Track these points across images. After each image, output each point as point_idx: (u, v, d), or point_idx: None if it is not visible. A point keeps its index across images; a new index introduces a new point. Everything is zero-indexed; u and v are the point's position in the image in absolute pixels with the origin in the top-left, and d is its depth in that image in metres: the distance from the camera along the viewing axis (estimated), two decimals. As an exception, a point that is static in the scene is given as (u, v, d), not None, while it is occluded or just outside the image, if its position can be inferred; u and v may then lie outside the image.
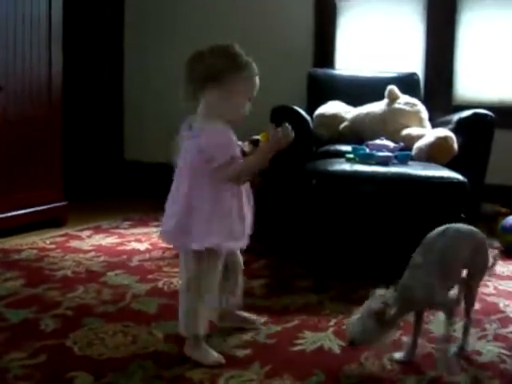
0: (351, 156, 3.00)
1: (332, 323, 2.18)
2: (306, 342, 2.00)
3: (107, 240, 3.35)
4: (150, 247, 3.22)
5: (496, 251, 2.22)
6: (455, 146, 3.15)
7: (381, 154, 2.92)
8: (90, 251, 3.10)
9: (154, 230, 3.61)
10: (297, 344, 1.98)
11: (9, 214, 3.34)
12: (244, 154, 3.73)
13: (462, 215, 2.78)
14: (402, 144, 3.08)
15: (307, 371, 1.78)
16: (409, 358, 1.90)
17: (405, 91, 3.65)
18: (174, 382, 1.69)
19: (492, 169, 3.35)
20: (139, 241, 3.36)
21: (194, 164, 1.83)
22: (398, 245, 2.85)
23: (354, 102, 3.81)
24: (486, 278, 2.75)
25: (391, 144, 3.05)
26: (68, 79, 3.86)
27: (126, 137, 5.18)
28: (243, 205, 1.93)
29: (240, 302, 2.10)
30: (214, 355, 1.85)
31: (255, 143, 4.09)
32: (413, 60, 4.40)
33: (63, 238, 3.36)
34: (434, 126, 3.51)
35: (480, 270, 2.01)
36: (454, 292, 2.00)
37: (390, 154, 2.94)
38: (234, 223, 1.88)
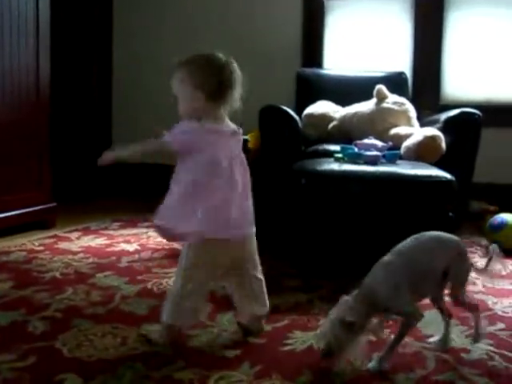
0: (340, 155, 3.01)
1: (322, 322, 2.18)
2: (295, 342, 2.00)
3: (96, 241, 3.35)
4: (139, 248, 3.22)
5: (494, 246, 2.10)
6: (443, 144, 3.16)
7: (369, 153, 2.93)
8: (78, 252, 3.10)
9: (144, 230, 3.61)
10: (287, 344, 1.98)
11: (-3, 216, 3.33)
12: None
13: (450, 213, 2.80)
14: (390, 143, 3.09)
15: (297, 371, 1.78)
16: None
17: (393, 90, 3.66)
18: (163, 382, 1.69)
19: (479, 167, 3.37)
20: (128, 242, 3.35)
21: None
22: (387, 244, 2.86)
23: (343, 101, 3.82)
24: (474, 275, 2.80)
25: (379, 143, 3.06)
26: (56, 79, 3.85)
27: (115, 138, 5.17)
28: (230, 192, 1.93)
29: (257, 311, 2.08)
30: None
31: (244, 143, 4.08)
32: (401, 59, 4.42)
33: (52, 240, 3.35)
34: (421, 125, 3.53)
35: (460, 281, 1.95)
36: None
37: (378, 153, 2.95)
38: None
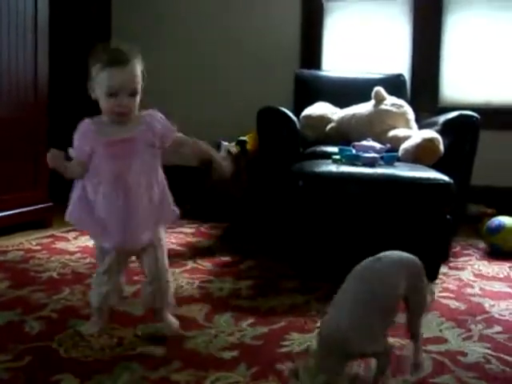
0: (338, 157, 3.01)
1: (319, 324, 2.17)
2: (292, 344, 2.00)
3: (93, 242, 3.33)
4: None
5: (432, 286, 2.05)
6: (441, 147, 3.16)
7: (367, 155, 2.93)
8: (75, 253, 3.09)
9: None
10: (283, 345, 1.98)
11: (-6, 216, 3.33)
12: (230, 154, 3.74)
13: (448, 216, 2.80)
14: (388, 145, 3.09)
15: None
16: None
17: (391, 92, 3.66)
18: (160, 383, 1.69)
19: (477, 170, 3.37)
20: (125, 242, 3.34)
21: None
22: (385, 246, 2.85)
23: (341, 103, 3.82)
24: (471, 278, 2.81)
25: (378, 145, 3.06)
26: (54, 79, 3.84)
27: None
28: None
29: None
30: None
31: (242, 144, 4.11)
32: (399, 61, 4.42)
33: (49, 240, 3.34)
34: (420, 127, 3.53)
35: (420, 305, 1.78)
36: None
37: (376, 155, 2.95)
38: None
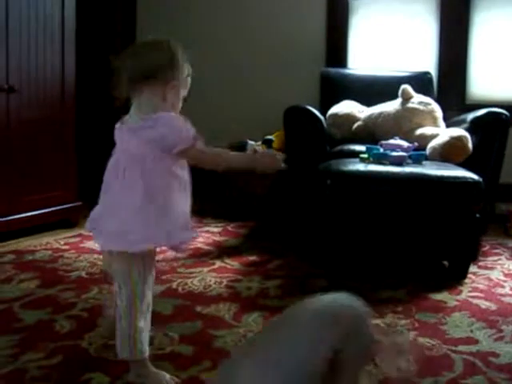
0: (365, 156, 2.99)
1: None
2: (321, 343, 1.99)
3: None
4: (163, 248, 3.22)
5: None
6: (470, 145, 3.13)
7: (395, 153, 2.91)
8: (103, 252, 3.11)
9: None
10: (312, 345, 1.97)
11: (22, 215, 3.36)
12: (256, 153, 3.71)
13: (477, 215, 2.77)
14: (416, 144, 3.06)
15: (323, 372, 1.77)
16: None
17: (418, 90, 3.63)
18: (190, 383, 1.69)
19: (506, 168, 3.33)
20: (153, 241, 3.35)
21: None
22: (413, 244, 2.84)
23: (367, 101, 3.80)
24: (501, 278, 2.77)
25: (405, 144, 3.04)
26: (81, 80, 3.87)
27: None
28: None
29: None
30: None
31: (268, 143, 4.11)
32: (426, 59, 4.38)
33: (77, 239, 3.37)
34: (448, 125, 3.49)
35: (354, 371, 1.38)
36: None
37: (404, 153, 2.92)
38: None
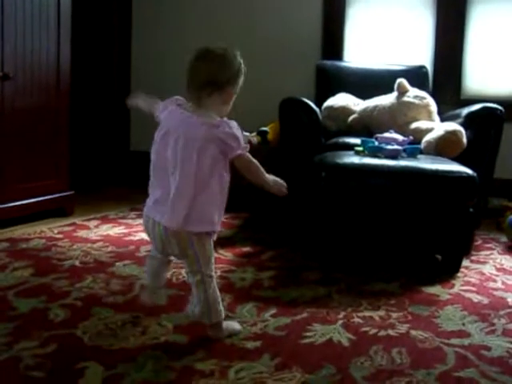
0: (360, 149, 3.00)
1: (341, 316, 2.18)
2: (315, 335, 2.00)
3: (114, 230, 3.36)
4: (157, 238, 3.22)
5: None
6: (464, 139, 3.14)
7: (390, 147, 2.91)
8: (97, 241, 3.11)
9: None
10: (306, 336, 1.99)
11: (16, 204, 3.35)
12: (251, 144, 3.73)
13: (471, 209, 2.78)
14: (411, 137, 3.07)
15: (317, 364, 1.78)
16: None
17: (413, 84, 3.63)
18: (184, 372, 1.70)
19: (500, 163, 3.34)
20: (146, 231, 3.36)
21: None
22: (406, 238, 2.86)
23: (363, 94, 3.80)
24: (493, 272, 2.79)
25: (400, 137, 3.05)
26: (76, 70, 3.85)
27: (133, 127, 5.18)
28: None
29: None
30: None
31: (263, 134, 4.11)
32: (422, 53, 4.39)
33: (70, 228, 3.36)
34: (442, 119, 3.50)
35: None
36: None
37: (399, 147, 2.93)
38: None
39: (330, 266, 2.79)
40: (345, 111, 3.71)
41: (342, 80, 4.06)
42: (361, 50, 4.51)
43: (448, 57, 4.31)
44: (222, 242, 3.13)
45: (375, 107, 3.62)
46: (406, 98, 3.53)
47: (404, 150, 2.95)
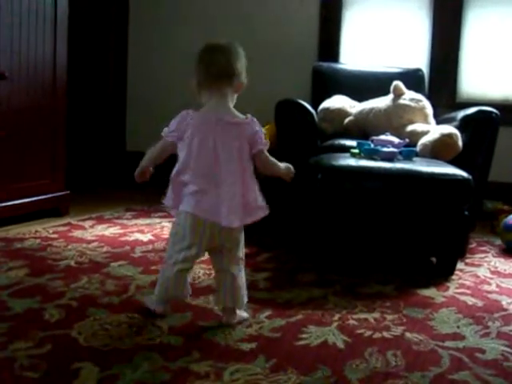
0: (356, 151, 3.00)
1: (336, 318, 2.18)
2: (310, 337, 2.00)
3: (110, 230, 3.36)
4: (153, 238, 3.22)
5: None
6: (460, 142, 3.15)
7: (386, 149, 2.92)
8: (92, 241, 3.10)
9: (157, 220, 3.62)
10: (301, 338, 1.99)
11: (11, 203, 3.35)
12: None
13: (466, 212, 2.79)
14: (407, 140, 3.08)
15: (312, 366, 1.78)
16: None
17: (409, 87, 3.64)
18: (179, 374, 1.69)
19: (495, 166, 3.35)
20: (142, 232, 3.36)
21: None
22: (402, 241, 2.86)
23: (359, 96, 3.81)
24: (488, 275, 2.80)
25: (396, 140, 3.05)
26: (72, 70, 3.85)
27: (129, 128, 5.18)
28: None
29: None
30: None
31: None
32: (418, 56, 4.40)
33: (66, 228, 3.36)
34: (438, 122, 3.51)
35: None
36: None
37: (395, 149, 2.94)
38: None
39: (325, 267, 2.79)
40: (341, 113, 3.72)
41: (339, 82, 4.07)
42: (357, 53, 4.52)
43: (444, 60, 4.33)
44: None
45: (371, 109, 3.62)
46: (401, 101, 3.54)
47: (400, 153, 2.96)
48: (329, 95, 3.86)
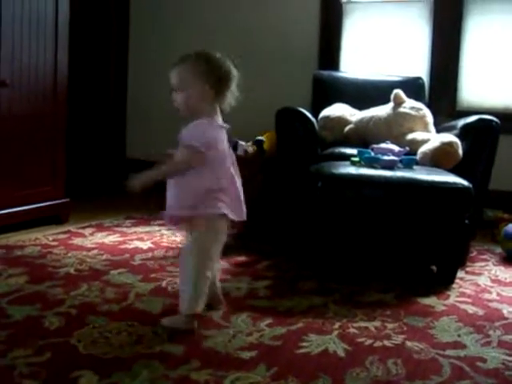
0: (356, 159, 3.00)
1: (336, 326, 2.18)
2: (310, 345, 2.00)
3: (109, 238, 3.35)
4: (152, 246, 3.22)
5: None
6: (460, 151, 3.14)
7: (386, 157, 2.92)
8: (92, 249, 3.10)
9: (157, 228, 3.61)
10: (302, 346, 1.98)
11: (11, 210, 3.34)
12: (246, 154, 3.76)
13: (466, 221, 2.79)
14: (407, 148, 3.07)
15: (313, 374, 1.77)
16: None
17: (409, 95, 3.64)
18: (179, 382, 1.69)
19: (495, 174, 3.35)
20: (141, 239, 3.35)
21: None
22: (402, 249, 2.86)
23: (359, 104, 3.81)
24: (488, 283, 2.79)
25: (396, 148, 3.05)
26: (73, 77, 3.85)
27: (129, 135, 5.19)
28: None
29: None
30: None
31: (259, 144, 4.10)
32: (418, 64, 4.40)
33: (65, 235, 3.35)
34: (438, 131, 3.51)
35: None
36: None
37: (395, 158, 2.94)
38: None
39: (325, 276, 2.78)
40: (341, 121, 3.72)
41: (339, 90, 4.07)
42: (357, 61, 4.52)
43: (444, 68, 4.33)
44: (218, 251, 3.12)
45: (371, 118, 3.62)
46: (402, 109, 3.54)
47: (400, 161, 2.96)
48: (329, 103, 3.86)
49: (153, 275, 2.69)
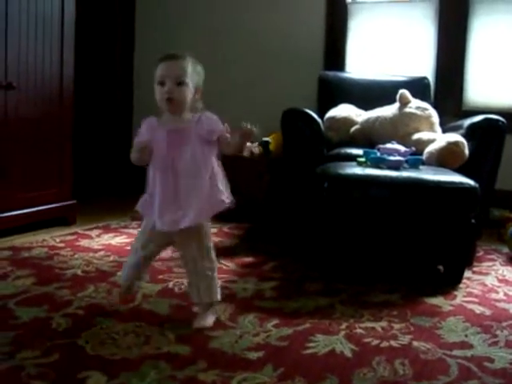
0: (362, 160, 3.00)
1: (343, 327, 2.18)
2: (317, 346, 2.00)
3: (116, 239, 3.36)
4: (159, 247, 3.22)
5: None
6: (466, 151, 3.14)
7: (392, 158, 2.92)
8: (99, 250, 3.11)
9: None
10: (309, 347, 1.98)
11: (18, 212, 3.35)
12: (252, 154, 3.77)
13: (473, 220, 2.78)
14: (413, 148, 3.07)
15: (320, 375, 1.78)
16: None
17: (415, 95, 3.64)
18: (186, 383, 1.69)
19: (501, 174, 3.34)
20: (148, 241, 3.35)
21: None
22: (409, 249, 2.86)
23: (365, 105, 3.81)
24: (495, 283, 2.79)
25: (402, 148, 3.05)
26: (79, 79, 3.86)
27: (135, 137, 5.18)
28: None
29: None
30: None
31: (265, 145, 4.11)
32: (424, 64, 4.40)
33: (72, 237, 3.36)
34: (444, 130, 3.51)
35: None
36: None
37: (401, 158, 2.94)
38: None
39: (332, 276, 2.78)
40: (347, 122, 3.72)
41: (344, 91, 4.07)
42: (363, 61, 4.52)
43: (450, 68, 4.32)
44: (224, 252, 3.13)
45: (377, 118, 3.63)
46: (408, 109, 3.54)
47: (406, 161, 2.96)
48: (335, 104, 3.86)
49: (160, 276, 2.69)
